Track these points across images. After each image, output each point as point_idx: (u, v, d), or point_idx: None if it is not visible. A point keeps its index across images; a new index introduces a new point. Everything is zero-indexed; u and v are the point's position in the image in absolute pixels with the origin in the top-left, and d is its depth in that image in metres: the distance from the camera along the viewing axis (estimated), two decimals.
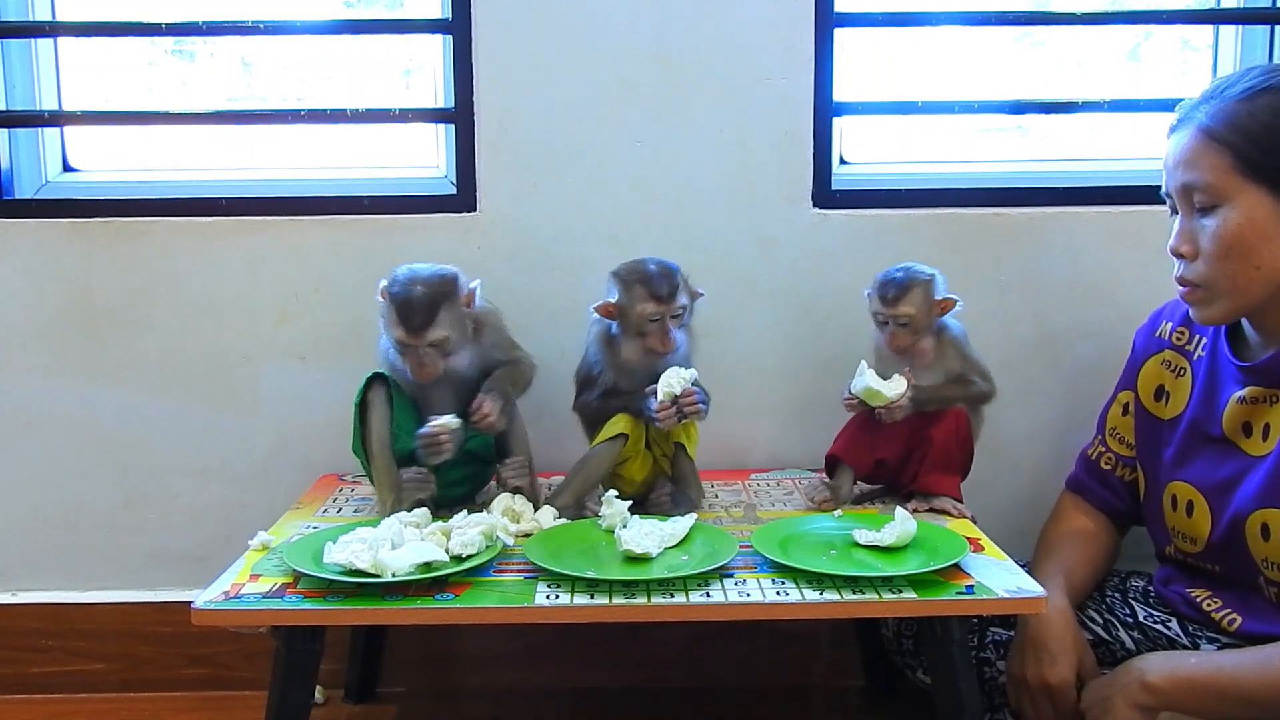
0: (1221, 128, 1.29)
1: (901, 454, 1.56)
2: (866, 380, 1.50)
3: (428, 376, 1.47)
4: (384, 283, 1.48)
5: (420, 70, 1.89)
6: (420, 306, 1.44)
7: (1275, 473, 1.32)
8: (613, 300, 1.50)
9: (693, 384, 1.48)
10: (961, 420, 1.55)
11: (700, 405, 1.48)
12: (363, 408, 1.49)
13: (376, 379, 1.50)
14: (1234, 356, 1.40)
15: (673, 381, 1.46)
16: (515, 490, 1.50)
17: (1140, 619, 1.48)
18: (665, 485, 1.54)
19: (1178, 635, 1.44)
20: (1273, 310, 1.34)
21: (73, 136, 1.86)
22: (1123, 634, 1.49)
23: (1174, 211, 1.37)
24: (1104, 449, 1.59)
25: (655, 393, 1.46)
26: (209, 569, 1.39)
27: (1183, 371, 1.48)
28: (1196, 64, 1.89)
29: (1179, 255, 1.35)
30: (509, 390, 1.53)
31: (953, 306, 1.55)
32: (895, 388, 1.50)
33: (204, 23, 1.74)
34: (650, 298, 1.47)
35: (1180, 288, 1.37)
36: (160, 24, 1.74)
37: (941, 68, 1.88)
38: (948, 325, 1.57)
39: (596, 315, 1.52)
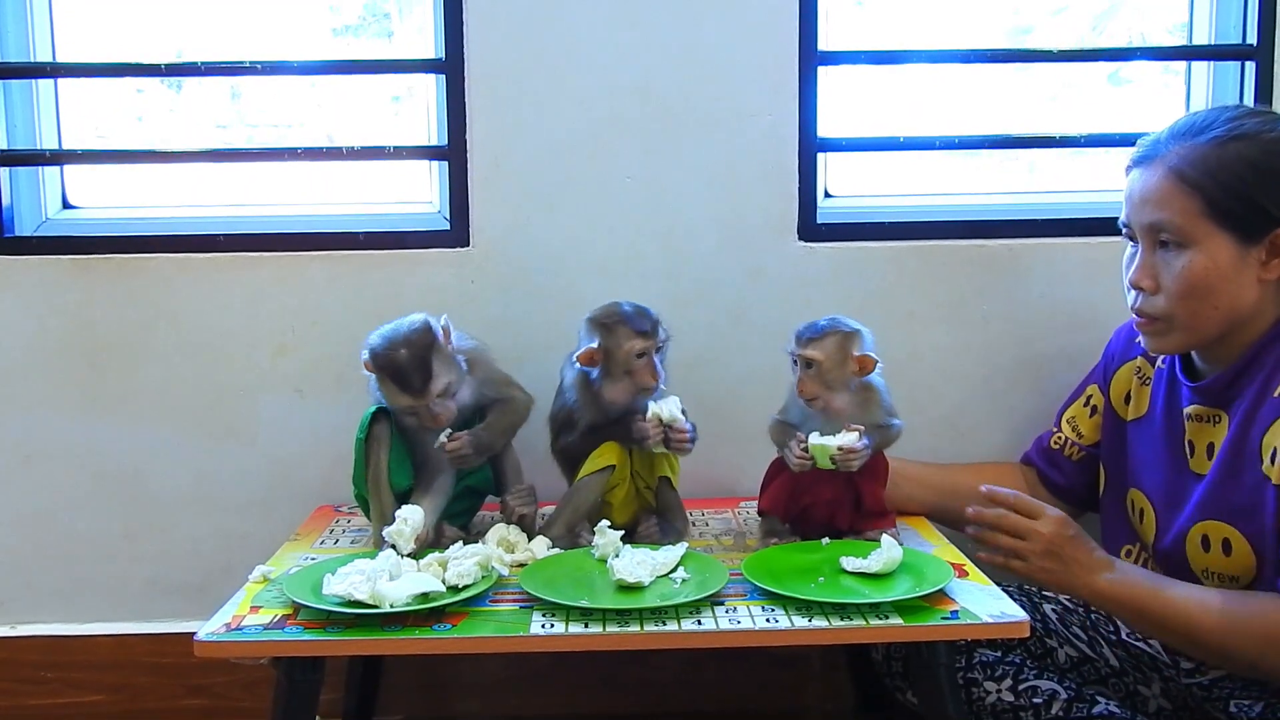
0: (1193, 171, 1.33)
1: (829, 500, 1.50)
2: (815, 438, 1.44)
3: (445, 423, 1.47)
4: (365, 355, 1.47)
5: (410, 97, 1.91)
6: (413, 367, 1.43)
7: (1214, 487, 1.38)
8: (594, 345, 1.49)
9: (681, 412, 1.48)
10: (883, 465, 1.52)
11: (689, 443, 1.48)
12: (366, 442, 1.49)
13: (381, 413, 1.50)
14: (1184, 375, 1.46)
15: (663, 406, 1.47)
16: (521, 518, 1.52)
17: (1123, 636, 1.51)
18: (651, 518, 1.55)
19: (1159, 653, 1.47)
20: (1220, 344, 1.39)
21: (72, 174, 1.88)
22: (1106, 651, 1.52)
23: (1131, 240, 1.42)
24: (1058, 433, 1.66)
25: (643, 416, 1.47)
26: (208, 599, 1.41)
27: (1147, 380, 1.54)
28: (1176, 85, 1.93)
29: (1139, 288, 1.40)
30: (496, 439, 1.53)
31: (873, 366, 1.46)
32: (848, 438, 1.43)
33: (201, 64, 1.77)
34: (636, 334, 1.48)
35: (1137, 318, 1.42)
36: (159, 65, 1.77)
37: (923, 101, 1.91)
38: (872, 383, 1.49)
39: (574, 362, 1.51)
